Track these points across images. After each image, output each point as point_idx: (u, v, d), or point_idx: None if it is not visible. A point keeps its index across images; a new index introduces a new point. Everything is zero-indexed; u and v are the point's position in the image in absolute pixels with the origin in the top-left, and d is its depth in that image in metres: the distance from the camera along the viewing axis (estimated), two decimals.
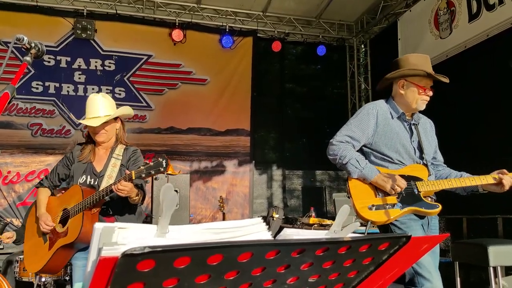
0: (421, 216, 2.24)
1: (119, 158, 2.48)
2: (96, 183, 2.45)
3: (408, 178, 2.21)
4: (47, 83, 6.24)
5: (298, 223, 5.34)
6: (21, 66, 1.24)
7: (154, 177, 2.18)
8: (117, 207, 2.45)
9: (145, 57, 6.77)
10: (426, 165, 2.31)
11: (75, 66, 6.45)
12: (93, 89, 6.44)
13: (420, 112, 2.44)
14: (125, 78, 6.65)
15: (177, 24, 6.74)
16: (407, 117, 2.40)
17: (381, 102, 2.44)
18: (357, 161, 2.24)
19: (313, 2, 6.92)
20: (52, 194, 2.62)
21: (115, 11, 6.54)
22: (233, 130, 7.08)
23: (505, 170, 2.22)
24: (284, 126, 7.60)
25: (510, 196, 2.33)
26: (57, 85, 6.32)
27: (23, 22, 6.18)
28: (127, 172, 2.19)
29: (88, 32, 6.39)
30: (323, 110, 7.82)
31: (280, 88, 7.71)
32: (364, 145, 2.38)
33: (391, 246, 0.86)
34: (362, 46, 7.89)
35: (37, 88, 6.17)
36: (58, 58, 6.37)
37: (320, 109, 7.81)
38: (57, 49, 6.37)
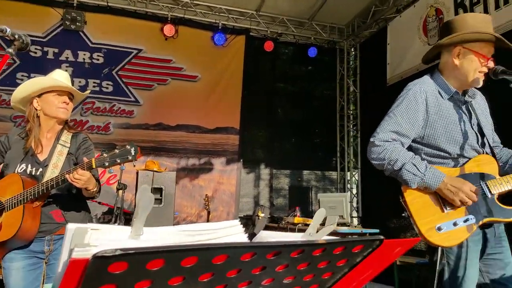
0: (487, 225, 1.79)
1: (66, 146, 2.21)
2: (38, 173, 2.15)
3: (474, 178, 1.76)
4: (32, 75, 6.13)
5: (283, 222, 5.37)
6: (3, 58, 1.22)
7: (120, 166, 1.92)
8: (63, 201, 2.17)
9: (135, 51, 6.71)
10: (493, 155, 1.85)
11: (62, 58, 6.35)
12: (80, 82, 6.36)
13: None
14: (113, 72, 6.58)
15: (169, 19, 6.69)
16: (460, 95, 1.90)
17: (427, 80, 1.92)
18: (414, 165, 1.74)
19: (306, 3, 6.94)
20: None
21: (106, 3, 6.46)
22: (222, 128, 7.06)
23: None
24: (273, 126, 7.62)
25: None
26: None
27: (11, 10, 6.04)
28: (85, 159, 1.94)
29: (78, 23, 6.31)
30: (313, 111, 7.87)
31: (271, 87, 7.73)
32: (413, 140, 1.88)
33: (365, 249, 0.87)
34: (352, 50, 7.95)
35: (22, 80, 6.05)
36: (45, 49, 6.26)
37: (310, 110, 7.86)
38: (45, 39, 6.27)
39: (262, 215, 5.42)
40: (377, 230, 4.37)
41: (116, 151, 1.90)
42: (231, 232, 0.70)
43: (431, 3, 5.65)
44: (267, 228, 5.41)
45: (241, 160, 7.13)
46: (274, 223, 5.62)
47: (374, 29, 7.13)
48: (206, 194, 5.59)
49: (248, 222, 5.60)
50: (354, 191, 7.59)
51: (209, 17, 7.04)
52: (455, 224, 1.68)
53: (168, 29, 6.65)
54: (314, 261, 0.81)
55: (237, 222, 0.71)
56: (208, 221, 5.28)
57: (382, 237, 0.85)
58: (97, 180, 2.20)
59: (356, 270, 0.92)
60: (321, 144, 8.09)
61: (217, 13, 7.04)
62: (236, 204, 6.90)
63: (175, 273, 0.60)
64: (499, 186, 1.75)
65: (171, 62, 6.86)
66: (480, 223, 1.72)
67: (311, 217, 5.75)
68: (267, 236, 0.74)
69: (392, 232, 5.49)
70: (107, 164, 1.89)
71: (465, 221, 1.69)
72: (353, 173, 7.67)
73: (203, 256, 0.61)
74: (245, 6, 7.07)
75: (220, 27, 6.95)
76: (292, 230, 4.83)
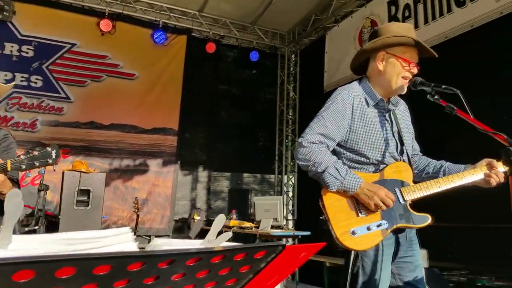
0: (399, 230, 1.84)
1: None
2: None
3: (391, 184, 1.82)
4: None
5: None
6: None
7: (39, 170, 1.80)
8: None
9: (68, 46, 6.35)
10: (409, 162, 1.93)
11: None
12: (5, 75, 5.89)
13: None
14: (43, 66, 6.17)
15: (106, 14, 6.43)
16: (385, 103, 1.96)
17: (355, 86, 1.96)
18: (336, 169, 1.77)
19: (249, 7, 6.99)
20: None
21: None
22: (160, 129, 6.89)
23: (494, 161, 1.81)
24: (215, 128, 7.58)
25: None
26: None
27: None
28: (0, 160, 1.84)
29: (5, 13, 5.87)
30: (255, 114, 7.97)
31: (214, 89, 7.69)
32: (336, 143, 1.92)
33: (268, 254, 0.88)
34: (293, 56, 8.15)
35: None
36: None
37: (252, 113, 7.96)
38: None
39: (198, 218, 5.36)
40: (308, 233, 4.49)
41: (36, 153, 1.79)
42: (119, 240, 0.67)
43: (367, 15, 5.94)
44: (202, 231, 5.36)
45: (179, 162, 7.00)
46: (210, 226, 5.58)
47: (314, 37, 7.37)
48: (136, 197, 5.41)
49: (184, 225, 5.51)
50: (290, 194, 7.77)
51: (150, 15, 6.86)
52: (368, 228, 1.72)
53: (105, 24, 6.39)
54: (214, 268, 0.80)
55: (126, 229, 0.68)
56: (137, 224, 5.11)
57: (284, 242, 0.87)
58: (16, 182, 2.05)
59: (261, 275, 0.92)
60: (263, 148, 8.20)
61: (158, 11, 6.88)
62: (171, 207, 6.75)
63: (49, 285, 0.57)
64: (412, 193, 1.81)
65: (106, 58, 6.58)
66: (393, 227, 1.77)
67: (249, 219, 5.80)
68: (161, 244, 0.72)
69: (327, 234, 5.66)
70: (24, 167, 1.78)
71: (378, 225, 1.73)
72: (290, 176, 7.85)
73: (82, 266, 0.58)
74: (187, 6, 6.97)
75: (160, 25, 6.80)
76: None
